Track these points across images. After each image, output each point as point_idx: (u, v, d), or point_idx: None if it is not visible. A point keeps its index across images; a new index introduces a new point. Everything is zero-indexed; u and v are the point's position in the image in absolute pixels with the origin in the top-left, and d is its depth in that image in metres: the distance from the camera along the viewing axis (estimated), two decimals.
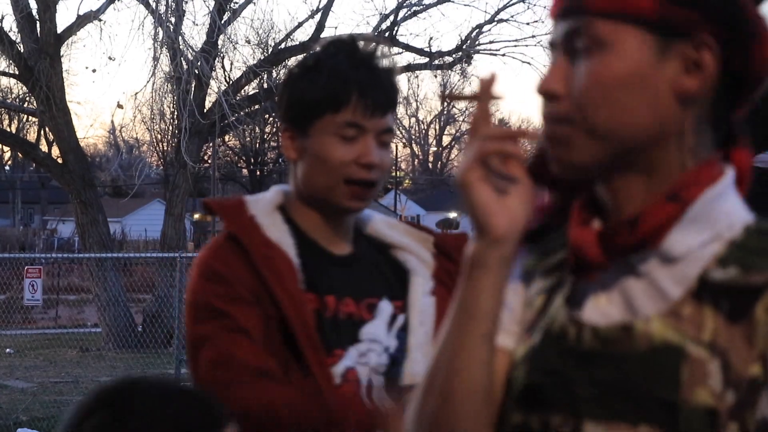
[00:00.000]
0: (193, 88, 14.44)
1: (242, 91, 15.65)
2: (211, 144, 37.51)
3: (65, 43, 14.65)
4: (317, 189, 1.75)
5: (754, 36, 1.05)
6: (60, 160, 14.44)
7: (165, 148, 34.27)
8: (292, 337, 1.68)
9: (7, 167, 51.34)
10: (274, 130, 47.58)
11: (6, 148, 40.02)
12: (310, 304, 1.72)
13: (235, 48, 15.23)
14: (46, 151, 15.09)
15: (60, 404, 9.88)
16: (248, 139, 46.53)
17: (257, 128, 46.00)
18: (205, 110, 14.70)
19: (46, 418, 9.21)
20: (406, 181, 60.01)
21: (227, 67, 16.93)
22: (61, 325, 17.52)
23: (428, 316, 1.78)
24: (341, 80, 1.73)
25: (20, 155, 21.44)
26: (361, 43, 1.79)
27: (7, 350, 13.78)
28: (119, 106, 15.36)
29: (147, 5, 13.96)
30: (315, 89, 1.74)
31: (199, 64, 13.68)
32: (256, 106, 16.09)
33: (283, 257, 1.72)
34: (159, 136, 30.51)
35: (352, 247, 1.82)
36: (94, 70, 16.12)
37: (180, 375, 8.71)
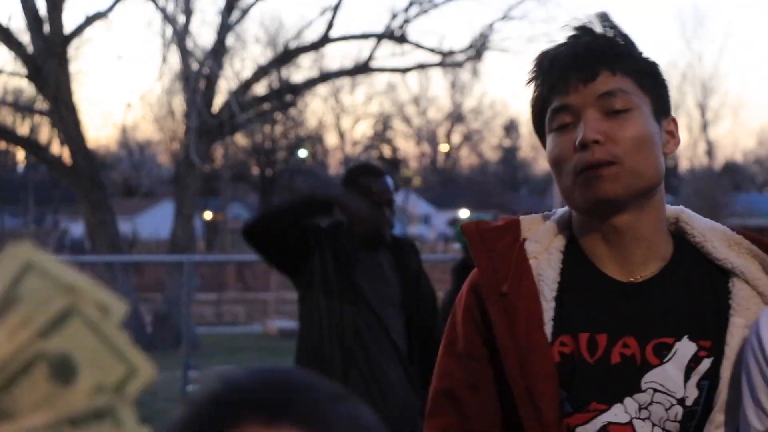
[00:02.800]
0: (202, 88, 14.35)
1: (252, 90, 15.55)
2: (221, 143, 37.50)
3: (76, 43, 14.58)
4: (564, 197, 1.52)
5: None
6: (69, 161, 14.36)
7: (176, 148, 34.24)
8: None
9: (20, 167, 51.43)
10: (285, 129, 47.60)
11: (19, 148, 39.95)
12: (563, 348, 1.48)
13: (244, 47, 15.12)
14: (59, 151, 14.98)
15: None
16: (258, 138, 46.51)
17: (267, 128, 45.98)
18: (213, 110, 14.61)
19: None
20: (416, 179, 59.90)
21: (237, 67, 16.86)
22: None
23: (747, 368, 1.42)
24: (537, 78, 1.55)
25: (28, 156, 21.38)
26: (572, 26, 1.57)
27: None
28: (129, 106, 15.29)
29: (155, 3, 13.86)
30: (530, 101, 1.58)
31: (207, 63, 13.58)
32: (265, 106, 16.00)
33: (525, 295, 1.49)
34: (170, 135, 30.51)
35: (660, 267, 1.51)
36: (103, 69, 15.99)
37: (187, 378, 8.61)
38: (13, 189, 48.29)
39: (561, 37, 1.58)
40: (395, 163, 56.93)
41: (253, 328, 17.49)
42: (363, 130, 60.92)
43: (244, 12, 15.09)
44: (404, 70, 16.65)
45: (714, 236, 1.53)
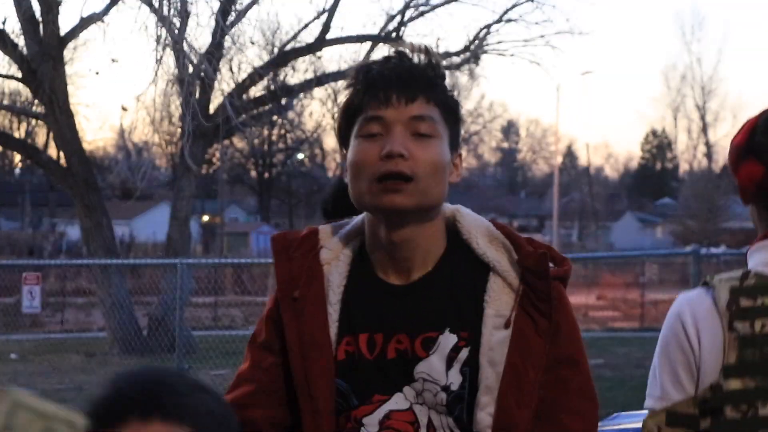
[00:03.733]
0: (197, 91, 14.30)
1: (248, 93, 15.50)
2: (218, 146, 37.45)
3: (72, 45, 14.55)
4: (356, 198, 1.66)
5: None
6: (64, 164, 14.31)
7: (173, 150, 34.17)
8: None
9: (17, 170, 51.38)
10: (283, 132, 47.56)
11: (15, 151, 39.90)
12: (348, 347, 1.65)
13: (240, 50, 15.08)
14: (55, 154, 14.94)
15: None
16: (256, 141, 46.47)
17: (265, 130, 45.95)
18: (209, 113, 14.55)
19: None
20: None
21: (233, 69, 16.82)
22: (67, 329, 17.44)
23: (500, 354, 1.61)
24: (356, 85, 1.68)
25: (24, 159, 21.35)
26: (397, 50, 1.71)
27: (12, 355, 13.64)
28: (124, 108, 15.25)
29: (150, 6, 13.81)
30: (342, 105, 1.71)
31: (203, 66, 13.54)
32: (262, 108, 15.95)
33: (313, 300, 1.67)
34: (167, 138, 30.42)
35: (430, 269, 1.67)
36: (97, 73, 15.95)
37: None
38: (10, 192, 48.25)
39: (381, 57, 1.70)
40: None
41: (249, 332, 17.36)
42: None
43: (240, 15, 15.04)
44: None
45: (478, 232, 1.70)
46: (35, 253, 31.34)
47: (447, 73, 1.72)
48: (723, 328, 1.69)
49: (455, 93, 1.72)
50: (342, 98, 1.71)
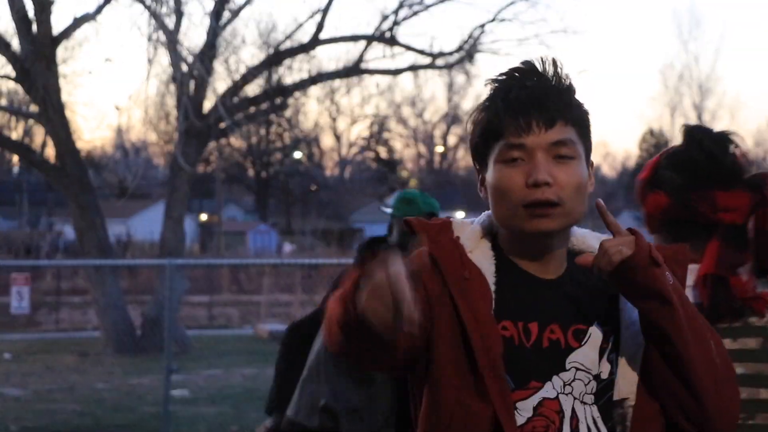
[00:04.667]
0: (190, 90, 14.29)
1: (241, 92, 15.48)
2: (215, 145, 37.40)
3: (70, 45, 14.53)
4: (501, 219, 1.73)
5: None
6: (58, 163, 14.28)
7: (170, 150, 34.16)
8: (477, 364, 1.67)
9: (15, 170, 51.32)
10: (280, 131, 47.55)
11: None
12: (504, 332, 1.70)
13: (234, 50, 15.06)
14: (53, 154, 14.89)
15: (53, 413, 9.73)
16: (254, 140, 46.45)
17: (262, 129, 45.93)
18: (203, 112, 14.53)
19: (36, 428, 9.06)
20: (412, 181, 59.84)
21: (229, 68, 16.80)
22: (62, 329, 17.42)
23: (638, 330, 1.71)
24: (494, 109, 1.72)
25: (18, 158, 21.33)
26: (530, 64, 1.76)
27: (5, 355, 13.63)
28: (117, 108, 15.23)
29: (144, 4, 13.80)
30: (479, 124, 1.76)
31: (196, 66, 13.52)
32: (255, 108, 15.93)
33: (479, 281, 1.71)
34: (165, 138, 30.41)
35: (564, 270, 1.77)
36: (90, 72, 15.93)
37: (169, 384, 8.54)
38: (8, 191, 48.21)
39: (511, 70, 1.75)
40: (391, 165, 56.90)
41: (244, 331, 17.42)
42: (359, 131, 60.84)
43: (234, 14, 15.03)
44: (395, 72, 16.60)
45: (588, 236, 1.82)
46: (32, 252, 31.28)
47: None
48: None
49: (584, 104, 1.76)
50: (476, 114, 1.75)
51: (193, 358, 13.10)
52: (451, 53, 16.11)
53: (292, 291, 19.77)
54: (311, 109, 54.33)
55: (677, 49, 78.64)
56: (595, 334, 1.72)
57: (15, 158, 48.08)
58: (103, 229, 14.30)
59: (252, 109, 16.04)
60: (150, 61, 12.86)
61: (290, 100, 17.65)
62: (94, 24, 14.22)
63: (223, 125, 14.78)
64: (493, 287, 1.72)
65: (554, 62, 1.74)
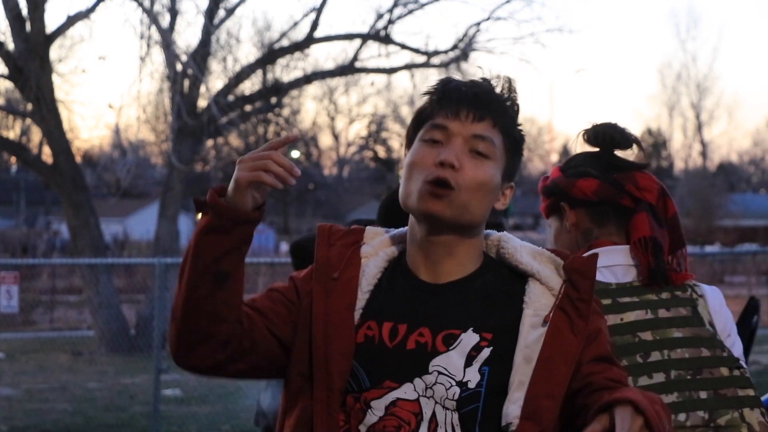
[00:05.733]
0: (184, 89, 14.25)
1: (236, 91, 15.44)
2: (212, 144, 37.30)
3: (68, 43, 14.49)
4: (405, 196, 1.75)
5: None
6: (52, 162, 14.24)
7: (165, 149, 34.14)
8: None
9: (12, 168, 51.30)
10: (278, 130, 47.49)
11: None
12: (368, 331, 1.73)
13: (229, 49, 15.02)
14: (49, 153, 14.83)
15: (44, 412, 9.69)
16: (251, 139, 46.42)
17: (260, 128, 45.90)
18: (197, 111, 14.49)
19: (27, 428, 9.02)
20: None
21: (226, 67, 16.76)
22: (57, 328, 17.38)
23: (535, 351, 1.70)
24: (433, 95, 1.79)
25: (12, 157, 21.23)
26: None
27: None
28: (110, 106, 15.19)
29: (138, 3, 13.76)
30: (416, 110, 1.81)
31: (191, 64, 13.48)
32: (250, 106, 15.89)
33: (348, 282, 1.75)
34: (163, 137, 30.33)
35: (462, 276, 1.77)
36: (84, 70, 15.89)
37: (159, 383, 8.51)
38: (5, 190, 48.20)
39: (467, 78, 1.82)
40: (390, 164, 56.86)
41: None
42: (357, 130, 60.81)
43: (229, 12, 14.99)
44: (390, 71, 16.56)
45: (524, 250, 1.81)
46: (28, 251, 31.25)
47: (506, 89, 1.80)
48: None
49: (523, 129, 1.80)
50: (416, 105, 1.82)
51: None
52: (446, 52, 16.08)
53: None
54: (309, 108, 54.36)
55: (675, 48, 78.63)
56: (466, 339, 1.70)
57: (13, 157, 48.10)
58: (97, 228, 14.26)
59: (247, 108, 16.01)
60: (142, 59, 12.84)
61: (285, 99, 17.62)
62: (88, 22, 14.18)
63: (218, 123, 14.74)
64: (369, 288, 1.75)
65: (509, 81, 1.80)
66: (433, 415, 1.68)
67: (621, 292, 2.09)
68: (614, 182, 2.17)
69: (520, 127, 1.79)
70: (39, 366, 12.74)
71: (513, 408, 1.66)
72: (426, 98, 1.79)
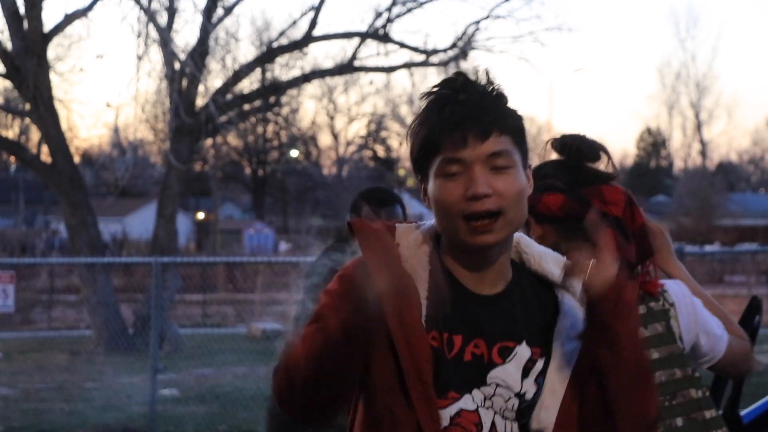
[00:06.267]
0: (182, 88, 14.20)
1: (234, 90, 15.39)
2: (212, 143, 37.23)
3: (64, 42, 14.44)
4: (444, 231, 1.76)
5: None
6: (49, 161, 14.19)
7: (165, 148, 34.04)
8: (402, 371, 1.71)
9: (12, 167, 51.24)
10: (277, 129, 47.44)
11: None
12: (433, 342, 1.73)
13: (227, 48, 14.97)
14: (49, 153, 14.78)
15: (40, 412, 9.65)
16: (251, 138, 46.35)
17: (259, 128, 45.83)
18: (195, 110, 14.44)
19: (23, 428, 8.98)
20: (410, 180, 59.72)
21: (225, 66, 16.72)
22: (55, 327, 17.34)
23: (569, 361, 1.75)
24: (430, 124, 1.75)
25: (10, 157, 21.14)
26: (463, 76, 1.79)
27: None
28: (108, 105, 15.16)
29: (137, 1, 13.71)
30: (417, 139, 1.79)
31: (189, 63, 13.43)
32: (248, 105, 15.84)
33: (409, 290, 1.73)
34: (161, 136, 30.25)
35: (505, 286, 1.79)
36: (81, 69, 15.84)
37: (155, 383, 8.46)
38: (4, 189, 48.15)
39: (444, 83, 1.78)
40: (389, 163, 56.80)
41: (238, 330, 17.33)
42: (357, 130, 60.77)
43: (227, 11, 14.94)
44: (388, 69, 16.51)
45: (548, 258, 1.83)
46: (27, 250, 31.21)
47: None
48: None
49: (516, 110, 1.78)
50: (415, 128, 1.77)
51: (184, 356, 13.01)
52: (445, 50, 16.04)
53: (287, 289, 19.72)
54: (308, 107, 54.30)
55: (674, 47, 78.51)
56: (521, 352, 1.75)
57: (12, 157, 48.03)
58: (94, 228, 14.22)
59: (246, 107, 15.96)
60: (140, 58, 12.79)
61: (284, 98, 17.59)
62: (86, 21, 14.14)
63: (216, 122, 14.70)
64: (424, 294, 1.74)
65: (486, 73, 1.78)
66: (493, 424, 1.73)
67: None
68: (580, 198, 2.18)
69: (517, 113, 1.78)
70: (36, 365, 12.70)
71: (546, 414, 1.73)
72: (423, 123, 1.76)
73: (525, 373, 1.74)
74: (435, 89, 1.78)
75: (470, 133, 1.71)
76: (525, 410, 1.74)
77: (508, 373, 1.73)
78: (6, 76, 13.94)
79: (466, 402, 1.72)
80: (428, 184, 1.77)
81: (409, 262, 1.76)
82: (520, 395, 1.74)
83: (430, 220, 1.83)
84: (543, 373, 1.75)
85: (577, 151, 2.21)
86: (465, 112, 1.72)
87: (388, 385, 1.71)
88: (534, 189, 2.09)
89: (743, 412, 3.00)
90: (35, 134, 33.92)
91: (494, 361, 1.73)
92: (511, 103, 1.78)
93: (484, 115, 1.73)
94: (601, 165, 2.24)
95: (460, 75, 1.78)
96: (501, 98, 1.77)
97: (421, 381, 1.69)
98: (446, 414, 1.71)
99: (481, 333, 1.74)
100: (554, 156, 2.26)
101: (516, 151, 1.76)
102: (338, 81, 46.97)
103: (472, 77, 1.77)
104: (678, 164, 61.34)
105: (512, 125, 1.76)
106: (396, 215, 3.57)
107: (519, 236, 1.84)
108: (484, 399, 1.73)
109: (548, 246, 2.09)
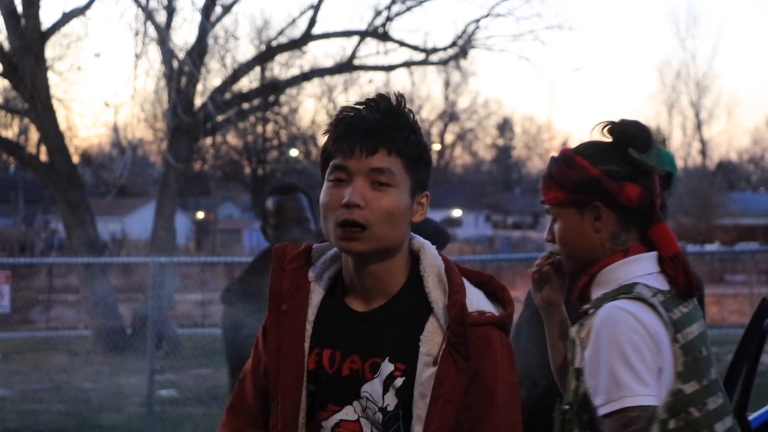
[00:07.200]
0: (180, 86, 14.14)
1: (232, 89, 15.32)
2: (210, 142, 37.15)
3: (64, 42, 14.38)
4: (325, 234, 1.86)
5: None
6: (47, 161, 14.11)
7: (163, 147, 33.96)
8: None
9: (11, 167, 51.17)
10: (277, 128, 47.38)
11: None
12: (315, 358, 1.87)
13: (225, 47, 14.91)
14: (47, 152, 14.71)
15: (37, 413, 9.59)
16: (250, 137, 46.29)
17: (259, 127, 45.77)
18: (193, 108, 14.38)
19: (19, 429, 8.92)
20: None
21: (224, 65, 16.64)
22: (54, 327, 17.27)
23: (428, 389, 1.82)
24: (331, 133, 1.86)
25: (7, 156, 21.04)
26: (380, 96, 1.88)
27: None
28: (106, 104, 15.09)
29: (137, 1, 13.64)
30: (321, 148, 1.90)
31: (186, 61, 13.37)
32: (248, 104, 15.78)
33: (296, 314, 1.89)
34: (161, 135, 30.19)
35: (383, 302, 1.87)
36: (79, 68, 15.76)
37: (153, 384, 8.41)
38: (4, 188, 48.09)
39: (361, 101, 1.88)
40: None
41: None
42: None
43: (226, 9, 14.88)
44: (388, 68, 16.45)
45: (431, 273, 1.87)
46: (27, 250, 31.15)
47: (416, 121, 1.87)
48: (670, 339, 2.03)
49: (421, 139, 1.86)
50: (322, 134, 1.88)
51: (183, 357, 12.95)
52: (445, 49, 15.97)
53: None
54: (308, 106, 54.23)
55: (674, 46, 78.42)
56: (385, 368, 1.84)
57: (10, 156, 47.94)
58: (92, 227, 14.15)
59: (245, 106, 15.90)
60: (138, 56, 12.72)
61: (284, 98, 17.53)
62: (84, 19, 14.07)
63: (215, 121, 14.63)
64: (313, 317, 1.89)
65: (398, 97, 1.86)
66: None
67: (677, 301, 2.10)
68: (649, 190, 2.16)
69: (416, 141, 1.85)
70: (34, 366, 12.63)
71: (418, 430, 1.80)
72: (326, 134, 1.87)
73: (386, 388, 1.83)
74: (352, 104, 1.88)
75: (358, 146, 1.81)
76: (389, 422, 1.84)
77: (374, 387, 1.84)
78: (3, 75, 13.87)
79: (347, 413, 1.86)
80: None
81: (314, 283, 1.91)
82: (383, 409, 1.84)
83: None
84: (402, 391, 1.83)
85: (634, 140, 2.16)
86: (360, 127, 1.82)
87: (271, 403, 1.91)
88: (609, 175, 2.15)
89: (751, 417, 2.93)
90: (35, 134, 33.88)
91: (366, 376, 1.84)
92: (416, 132, 1.85)
93: (376, 133, 1.81)
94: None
95: (380, 96, 1.87)
96: (402, 122, 1.84)
97: (280, 402, 1.86)
98: (327, 425, 1.86)
99: (356, 349, 1.86)
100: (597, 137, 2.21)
101: (404, 174, 1.83)
102: (338, 80, 46.91)
103: (389, 98, 1.86)
104: (678, 163, 61.31)
105: (405, 149, 1.83)
106: (299, 201, 3.59)
107: (419, 244, 1.90)
108: (363, 410, 1.85)
109: (605, 234, 2.17)
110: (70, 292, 19.52)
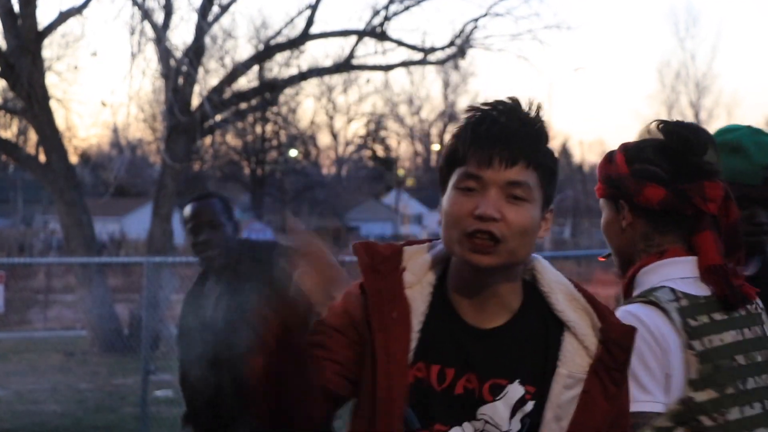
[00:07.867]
0: (177, 86, 14.10)
1: (230, 88, 15.28)
2: (208, 142, 37.13)
3: (62, 41, 14.35)
4: (446, 244, 1.76)
5: None
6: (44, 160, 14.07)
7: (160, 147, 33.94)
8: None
9: (11, 167, 51.16)
10: (276, 128, 47.36)
11: None
12: (418, 373, 1.75)
13: (222, 47, 14.87)
14: (44, 152, 14.67)
15: (33, 414, 9.55)
16: (249, 138, 46.29)
17: (258, 127, 45.76)
18: (191, 108, 14.34)
19: (14, 429, 8.88)
20: (409, 179, 59.73)
21: (224, 64, 16.62)
22: (51, 328, 17.24)
23: (567, 412, 1.74)
24: (462, 137, 1.76)
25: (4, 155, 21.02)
26: (514, 101, 1.78)
27: None
28: (103, 104, 15.05)
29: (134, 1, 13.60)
30: (447, 149, 1.79)
31: (183, 61, 13.33)
32: (245, 104, 15.74)
33: (404, 322, 1.76)
34: (159, 135, 30.17)
35: (507, 319, 1.78)
36: (76, 67, 15.69)
37: (147, 385, 8.37)
38: (3, 188, 48.08)
39: (493, 103, 1.76)
40: (388, 163, 56.75)
41: None
42: (356, 129, 60.66)
43: (223, 9, 14.84)
44: (386, 68, 16.41)
45: (558, 289, 1.80)
46: (25, 250, 31.12)
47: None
48: (682, 346, 1.97)
49: (554, 152, 1.78)
50: (449, 139, 1.78)
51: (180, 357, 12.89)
52: (443, 49, 15.93)
53: None
54: (307, 107, 54.19)
55: (674, 46, 78.40)
56: (513, 391, 1.74)
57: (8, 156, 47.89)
58: (89, 227, 14.10)
59: (242, 106, 15.86)
60: (134, 56, 12.69)
61: (283, 98, 17.50)
62: (81, 19, 14.03)
63: (212, 121, 14.59)
64: (419, 326, 1.76)
65: (537, 106, 1.77)
66: None
67: (711, 307, 2.04)
68: (682, 194, 2.07)
69: (551, 154, 1.77)
70: (30, 366, 12.59)
71: None
72: (457, 137, 1.76)
73: (513, 412, 1.74)
74: (482, 106, 1.77)
75: (497, 155, 1.71)
76: None
77: (497, 410, 1.73)
78: (0, 74, 13.83)
79: None
80: (445, 194, 1.77)
81: (413, 289, 1.78)
82: None
83: (438, 244, 1.83)
84: (531, 415, 1.74)
85: (685, 141, 2.09)
86: (500, 134, 1.72)
87: (369, 413, 1.74)
88: (634, 174, 2.09)
89: None
90: (34, 134, 33.85)
91: (485, 397, 1.74)
92: (550, 144, 1.77)
93: (517, 143, 1.72)
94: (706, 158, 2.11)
95: (512, 99, 1.77)
96: (541, 134, 1.75)
97: (389, 413, 1.72)
98: None
99: (473, 368, 1.74)
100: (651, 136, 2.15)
101: (538, 188, 1.74)
102: (337, 80, 46.89)
103: (522, 105, 1.76)
104: None
105: (543, 163, 1.74)
106: (213, 206, 3.69)
107: (534, 261, 1.82)
108: (474, 431, 1.74)
109: (637, 236, 2.12)
110: (68, 292, 19.50)
